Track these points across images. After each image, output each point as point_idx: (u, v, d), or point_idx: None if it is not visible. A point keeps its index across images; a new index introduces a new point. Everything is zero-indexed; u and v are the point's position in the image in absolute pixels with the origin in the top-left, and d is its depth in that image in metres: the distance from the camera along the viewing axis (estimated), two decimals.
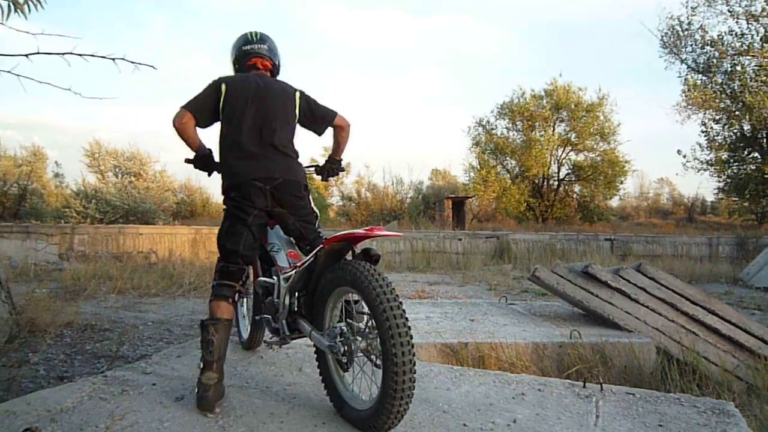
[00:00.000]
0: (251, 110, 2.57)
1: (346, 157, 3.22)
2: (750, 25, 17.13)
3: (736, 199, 21.41)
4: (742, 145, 19.45)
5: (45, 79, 2.93)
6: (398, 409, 1.90)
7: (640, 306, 3.98)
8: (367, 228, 2.12)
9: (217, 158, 2.69)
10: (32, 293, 5.85)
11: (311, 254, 2.29)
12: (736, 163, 19.97)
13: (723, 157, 20.05)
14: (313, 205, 2.74)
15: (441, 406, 2.38)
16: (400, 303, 1.92)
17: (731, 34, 17.47)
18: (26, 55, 2.72)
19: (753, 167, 19.31)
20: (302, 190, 2.64)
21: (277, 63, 2.87)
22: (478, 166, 24.26)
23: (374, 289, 1.92)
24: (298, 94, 2.75)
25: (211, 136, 2.75)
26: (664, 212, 31.61)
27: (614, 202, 27.37)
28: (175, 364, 2.87)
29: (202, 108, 2.58)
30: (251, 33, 2.82)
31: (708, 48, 18.20)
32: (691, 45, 18.67)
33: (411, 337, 1.89)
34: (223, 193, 2.59)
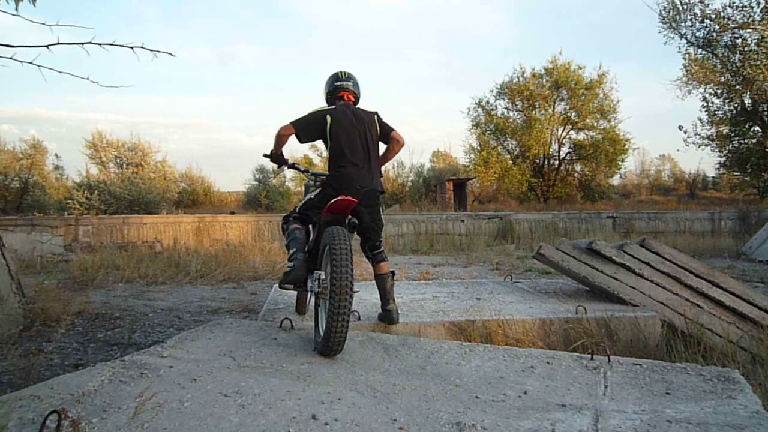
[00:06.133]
0: (354, 133, 3.44)
1: None
2: None
3: (738, 173, 21.31)
4: (743, 119, 19.32)
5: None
6: (334, 339, 2.62)
7: (644, 280, 4.01)
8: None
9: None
10: (41, 284, 5.90)
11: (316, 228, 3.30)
12: (738, 138, 19.84)
13: (724, 131, 19.92)
14: (382, 214, 3.60)
15: (453, 380, 2.44)
16: (351, 254, 2.65)
17: (731, 7, 17.30)
18: (47, 46, 2.75)
19: (754, 141, 19.22)
20: (378, 197, 3.51)
21: (358, 95, 3.73)
22: (479, 148, 24.16)
23: (335, 241, 2.66)
24: (376, 117, 3.61)
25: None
26: (665, 189, 31.59)
27: (615, 180, 27.35)
28: (190, 347, 2.93)
29: (307, 130, 3.49)
30: (341, 72, 3.72)
31: (708, 22, 17.99)
32: (691, 19, 18.47)
33: (350, 276, 2.59)
34: (326, 181, 3.43)
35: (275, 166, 3.75)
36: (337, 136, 3.42)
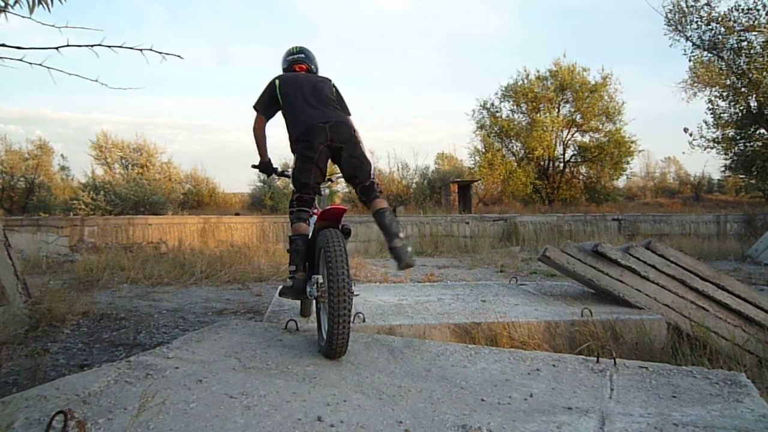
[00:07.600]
0: (305, 86, 3.36)
1: None
2: (757, 0, 16.90)
3: (743, 176, 21.25)
4: (748, 121, 19.22)
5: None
6: (337, 342, 2.62)
7: (650, 283, 4.00)
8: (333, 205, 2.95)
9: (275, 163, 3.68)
10: (47, 284, 5.92)
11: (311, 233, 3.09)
12: (743, 140, 19.74)
13: (729, 134, 19.85)
14: (366, 152, 3.36)
15: (458, 383, 2.43)
16: (345, 256, 2.63)
17: (737, 10, 17.23)
18: (57, 48, 2.76)
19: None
20: (353, 132, 3.27)
21: (312, 67, 3.70)
22: (483, 150, 24.13)
23: (329, 244, 2.64)
24: (332, 82, 3.54)
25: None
26: (670, 191, 31.46)
27: (620, 183, 27.23)
28: (196, 348, 2.93)
29: (265, 103, 3.45)
30: (293, 47, 3.71)
31: (714, 24, 17.93)
32: (697, 22, 18.41)
33: (347, 278, 2.57)
34: (293, 142, 3.27)
35: (264, 175, 3.74)
36: (286, 93, 3.37)
